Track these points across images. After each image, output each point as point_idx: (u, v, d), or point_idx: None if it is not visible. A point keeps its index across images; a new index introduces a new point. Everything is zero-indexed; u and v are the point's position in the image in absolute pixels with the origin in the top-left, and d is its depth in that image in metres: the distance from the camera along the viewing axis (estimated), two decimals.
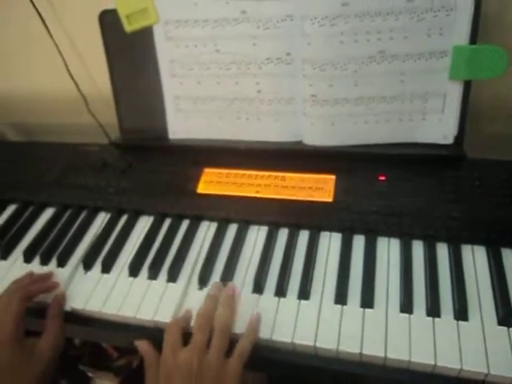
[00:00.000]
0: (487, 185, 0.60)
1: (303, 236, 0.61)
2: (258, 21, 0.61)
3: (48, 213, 0.73)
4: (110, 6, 0.66)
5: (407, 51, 0.59)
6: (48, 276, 0.62)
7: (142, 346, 0.54)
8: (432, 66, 0.59)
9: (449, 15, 0.56)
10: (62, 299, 0.59)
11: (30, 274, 0.61)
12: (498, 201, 0.59)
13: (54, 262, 0.64)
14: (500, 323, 0.49)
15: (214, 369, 0.48)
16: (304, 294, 0.55)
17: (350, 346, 0.49)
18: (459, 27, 0.56)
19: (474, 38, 0.57)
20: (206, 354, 0.49)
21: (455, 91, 0.61)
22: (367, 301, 0.53)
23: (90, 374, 0.99)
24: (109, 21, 0.67)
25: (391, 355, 0.48)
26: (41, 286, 0.60)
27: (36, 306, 0.59)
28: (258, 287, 0.56)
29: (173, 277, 0.59)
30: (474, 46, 0.58)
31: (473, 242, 0.57)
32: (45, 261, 0.65)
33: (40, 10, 0.75)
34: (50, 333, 0.55)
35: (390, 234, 0.59)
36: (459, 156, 0.62)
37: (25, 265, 0.65)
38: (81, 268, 0.63)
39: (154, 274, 0.60)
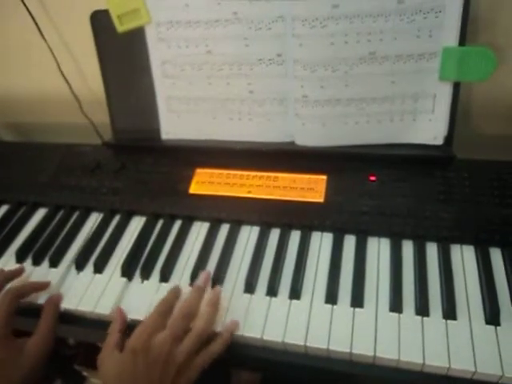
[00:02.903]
0: (476, 185, 0.61)
1: (295, 236, 0.62)
2: (250, 22, 0.62)
3: (40, 213, 0.73)
4: (101, 7, 0.66)
5: (397, 52, 0.59)
6: (19, 271, 0.62)
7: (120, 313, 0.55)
8: (422, 67, 0.60)
9: (438, 17, 0.56)
10: (57, 299, 0.59)
11: (2, 270, 0.62)
12: (487, 201, 0.59)
13: (46, 263, 0.64)
14: (488, 322, 0.50)
15: (179, 362, 0.49)
16: (295, 293, 0.55)
17: (340, 345, 0.50)
18: (448, 29, 0.57)
19: (463, 40, 0.58)
20: (179, 345, 0.50)
21: (445, 92, 0.61)
22: (357, 300, 0.53)
23: (84, 374, 0.99)
24: (100, 21, 0.67)
25: (380, 354, 0.49)
26: (33, 284, 0.60)
27: (29, 306, 0.59)
28: (250, 287, 0.56)
29: (165, 277, 0.60)
30: (463, 48, 0.58)
31: (462, 241, 0.58)
32: (37, 261, 0.65)
33: (31, 10, 0.75)
34: (38, 333, 0.56)
35: (380, 233, 0.60)
36: (449, 156, 0.63)
37: (17, 265, 0.65)
38: (73, 268, 0.63)
39: (146, 274, 0.60)
